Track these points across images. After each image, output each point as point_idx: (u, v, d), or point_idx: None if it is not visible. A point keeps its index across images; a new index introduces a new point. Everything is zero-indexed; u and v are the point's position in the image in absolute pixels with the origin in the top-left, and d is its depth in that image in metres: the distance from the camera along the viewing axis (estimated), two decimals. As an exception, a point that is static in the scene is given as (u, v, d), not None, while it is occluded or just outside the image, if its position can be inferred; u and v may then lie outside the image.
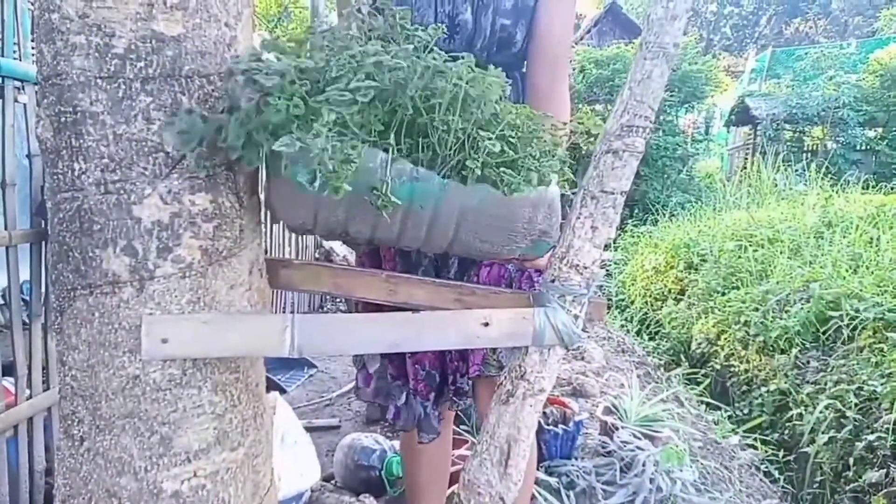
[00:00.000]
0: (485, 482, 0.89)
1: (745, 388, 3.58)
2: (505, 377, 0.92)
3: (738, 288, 4.26)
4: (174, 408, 0.77)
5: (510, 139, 0.83)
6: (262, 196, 0.87)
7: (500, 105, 0.84)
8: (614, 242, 7.36)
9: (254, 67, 0.71)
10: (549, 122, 0.93)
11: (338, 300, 3.98)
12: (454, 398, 1.30)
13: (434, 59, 0.78)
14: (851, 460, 2.61)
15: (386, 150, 0.76)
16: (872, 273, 3.68)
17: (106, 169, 0.73)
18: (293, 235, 3.45)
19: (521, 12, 1.19)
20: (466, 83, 0.77)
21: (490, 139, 0.78)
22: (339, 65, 0.73)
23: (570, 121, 1.22)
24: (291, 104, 0.69)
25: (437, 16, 1.17)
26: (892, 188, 7.15)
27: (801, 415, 2.98)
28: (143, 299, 0.75)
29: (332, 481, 2.05)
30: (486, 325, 0.85)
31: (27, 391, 1.58)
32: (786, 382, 3.23)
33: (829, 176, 7.88)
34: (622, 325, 5.22)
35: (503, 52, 1.21)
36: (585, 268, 0.90)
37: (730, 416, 3.30)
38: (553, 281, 0.90)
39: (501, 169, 0.80)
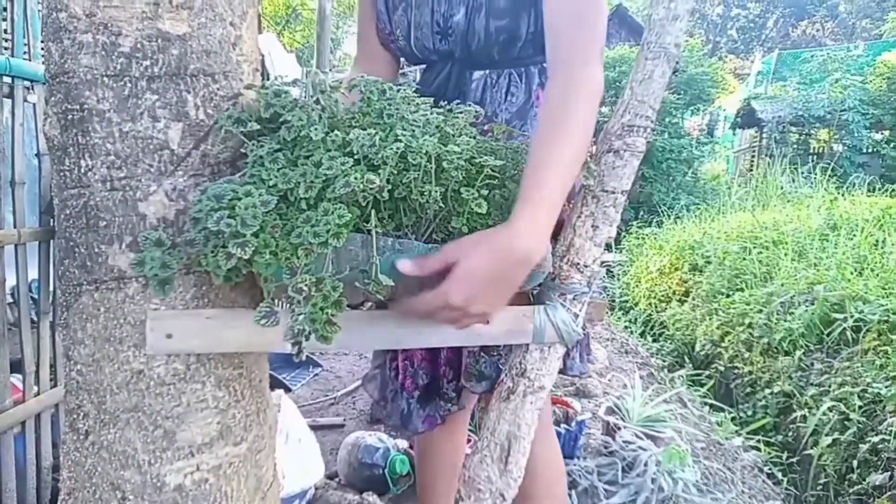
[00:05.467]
0: (485, 479, 0.90)
1: (748, 389, 3.57)
2: (506, 374, 0.93)
3: (742, 290, 4.26)
4: (178, 402, 0.78)
5: (494, 186, 0.81)
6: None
7: (475, 144, 0.81)
8: (618, 244, 7.35)
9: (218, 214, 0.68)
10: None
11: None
12: (441, 402, 1.29)
13: (412, 127, 0.76)
14: (855, 463, 2.60)
15: (368, 221, 0.73)
16: (877, 275, 3.68)
17: (112, 166, 0.74)
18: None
19: (521, 4, 1.08)
20: (437, 155, 0.75)
21: (474, 198, 0.76)
22: (307, 183, 0.70)
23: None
24: (267, 252, 0.68)
25: (434, 14, 1.13)
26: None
27: (805, 417, 2.98)
28: (147, 295, 0.76)
29: (336, 479, 2.06)
30: (487, 322, 0.85)
31: (35, 388, 1.60)
32: (790, 384, 3.22)
33: (835, 178, 7.85)
34: (626, 327, 5.22)
35: (508, 52, 1.13)
36: (586, 266, 0.91)
37: (733, 418, 3.30)
38: (554, 279, 0.90)
39: (489, 221, 0.79)
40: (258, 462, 0.88)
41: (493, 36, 1.10)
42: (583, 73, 0.92)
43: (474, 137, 0.85)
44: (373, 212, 0.73)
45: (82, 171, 0.75)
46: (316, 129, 0.73)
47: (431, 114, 0.82)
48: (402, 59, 1.28)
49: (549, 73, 0.98)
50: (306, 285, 0.68)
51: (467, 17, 1.10)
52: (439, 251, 0.76)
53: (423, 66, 1.24)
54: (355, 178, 0.68)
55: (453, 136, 0.82)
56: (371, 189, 0.70)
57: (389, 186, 0.73)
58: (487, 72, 1.16)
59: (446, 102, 0.91)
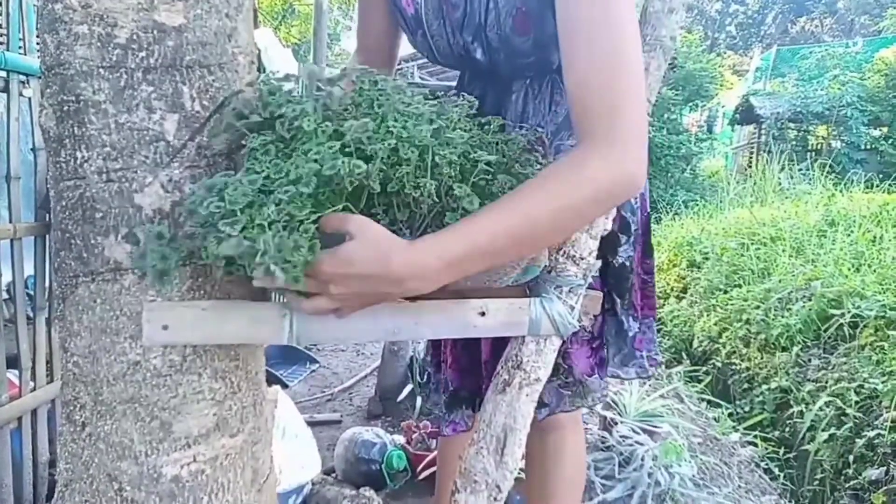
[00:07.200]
0: (481, 470, 0.90)
1: (746, 385, 3.58)
2: (502, 366, 0.93)
3: (740, 286, 4.26)
4: (174, 393, 0.78)
5: (487, 180, 0.80)
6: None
7: (469, 138, 0.81)
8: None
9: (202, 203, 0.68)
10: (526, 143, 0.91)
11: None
12: (469, 411, 1.28)
13: (404, 119, 0.76)
14: (851, 458, 2.61)
15: (363, 214, 0.73)
16: (875, 271, 3.68)
17: (108, 157, 0.74)
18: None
19: (549, 40, 0.95)
20: (431, 148, 0.74)
21: (466, 195, 0.76)
22: (297, 171, 0.69)
23: None
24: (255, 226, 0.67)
25: (453, 46, 1.05)
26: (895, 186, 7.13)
27: (801, 412, 2.98)
28: (144, 286, 0.76)
29: (333, 475, 2.06)
30: (483, 314, 0.85)
31: (31, 383, 1.60)
32: (787, 380, 3.23)
33: (833, 175, 7.87)
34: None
35: (543, 71, 1.05)
36: (582, 258, 0.91)
37: (731, 414, 3.31)
38: (550, 272, 0.91)
39: None
40: (255, 454, 0.88)
41: (521, 69, 1.04)
42: (611, 156, 0.78)
43: (468, 131, 0.85)
44: (350, 205, 0.73)
45: (78, 162, 0.75)
46: (308, 120, 0.73)
47: (424, 106, 0.82)
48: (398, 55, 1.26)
49: (576, 140, 0.83)
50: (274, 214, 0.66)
51: (486, 55, 1.03)
52: (351, 218, 0.72)
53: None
54: (342, 163, 0.68)
55: (446, 128, 0.81)
56: (358, 175, 0.69)
57: (380, 176, 0.73)
58: (528, 81, 1.09)
59: (481, 114, 0.89)
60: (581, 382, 1.19)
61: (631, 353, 1.22)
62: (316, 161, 0.68)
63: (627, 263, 1.16)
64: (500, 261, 0.79)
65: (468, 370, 1.25)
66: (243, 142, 0.75)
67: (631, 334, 1.21)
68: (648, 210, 1.24)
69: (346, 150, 0.71)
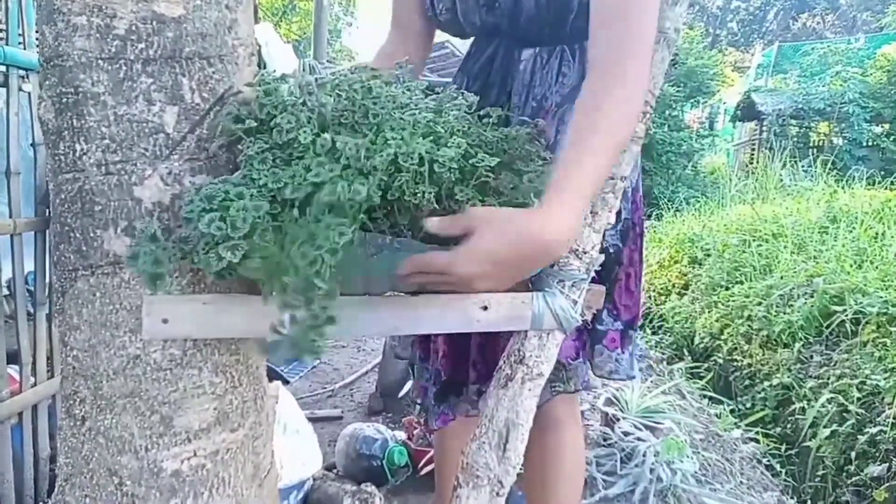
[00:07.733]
0: (483, 465, 0.90)
1: (747, 382, 3.58)
2: (504, 361, 0.93)
3: (741, 282, 4.26)
4: (175, 388, 0.77)
5: (488, 180, 0.80)
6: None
7: (468, 140, 0.81)
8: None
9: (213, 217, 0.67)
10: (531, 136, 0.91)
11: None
12: (458, 400, 1.26)
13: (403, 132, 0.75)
14: (853, 454, 2.60)
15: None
16: (877, 268, 3.68)
17: (107, 150, 0.74)
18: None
19: None
20: (430, 159, 0.73)
21: (468, 199, 0.76)
22: (294, 185, 0.68)
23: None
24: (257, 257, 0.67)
25: None
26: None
27: (803, 409, 2.98)
28: (143, 280, 0.76)
29: (334, 470, 2.06)
30: (485, 308, 0.85)
31: (32, 379, 1.59)
32: (789, 377, 3.22)
33: (835, 171, 7.85)
34: (625, 320, 5.20)
35: (559, 28, 1.05)
36: (585, 252, 0.90)
37: (732, 410, 3.30)
38: (552, 266, 0.90)
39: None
40: (255, 449, 0.88)
41: (544, 10, 1.02)
42: (629, 69, 0.86)
43: (468, 130, 0.84)
44: (364, 215, 0.72)
45: (77, 155, 0.74)
46: (304, 131, 0.72)
47: (421, 112, 0.80)
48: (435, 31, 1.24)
49: (600, 61, 0.88)
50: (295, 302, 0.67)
51: None
52: (465, 213, 0.75)
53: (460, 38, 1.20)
54: (341, 188, 0.67)
55: (445, 133, 0.80)
56: (358, 200, 0.68)
57: (380, 192, 0.72)
58: (537, 50, 1.09)
59: (488, 84, 0.90)
60: (564, 366, 1.16)
61: (600, 349, 1.19)
62: (315, 183, 0.67)
63: (612, 251, 1.13)
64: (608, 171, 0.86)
65: (459, 359, 1.24)
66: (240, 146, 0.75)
67: (602, 328, 1.18)
68: (642, 218, 1.22)
69: (343, 164, 0.70)
